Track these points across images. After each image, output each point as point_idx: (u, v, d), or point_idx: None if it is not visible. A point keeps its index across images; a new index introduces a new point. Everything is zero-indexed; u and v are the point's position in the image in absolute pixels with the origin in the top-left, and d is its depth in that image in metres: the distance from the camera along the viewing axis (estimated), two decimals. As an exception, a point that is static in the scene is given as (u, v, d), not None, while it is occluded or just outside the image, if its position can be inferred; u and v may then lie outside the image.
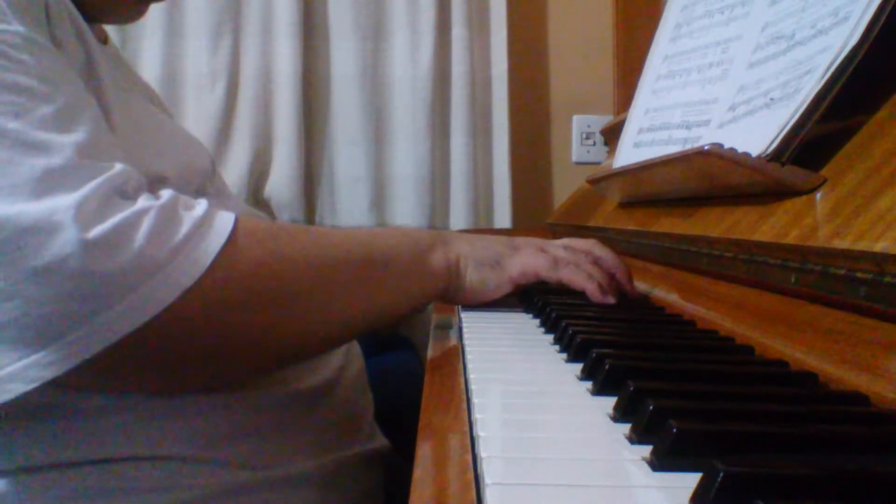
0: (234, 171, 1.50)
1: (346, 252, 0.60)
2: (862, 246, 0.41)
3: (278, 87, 1.51)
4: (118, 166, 0.50)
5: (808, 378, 0.44)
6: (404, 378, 1.12)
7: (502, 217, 1.58)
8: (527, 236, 0.74)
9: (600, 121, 1.64)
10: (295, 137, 1.51)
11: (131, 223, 0.47)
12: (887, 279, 0.39)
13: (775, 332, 0.50)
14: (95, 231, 0.46)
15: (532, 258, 0.68)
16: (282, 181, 1.51)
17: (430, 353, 0.59)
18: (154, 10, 1.50)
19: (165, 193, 0.51)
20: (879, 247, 0.40)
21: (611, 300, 0.69)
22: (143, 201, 0.49)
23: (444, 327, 0.69)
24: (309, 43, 1.55)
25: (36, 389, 0.46)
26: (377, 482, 0.74)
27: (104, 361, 0.47)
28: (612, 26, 1.52)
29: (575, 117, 1.70)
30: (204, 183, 0.70)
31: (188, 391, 0.57)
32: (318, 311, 0.57)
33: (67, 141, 0.49)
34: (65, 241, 0.45)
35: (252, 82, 1.52)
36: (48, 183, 0.46)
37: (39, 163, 0.47)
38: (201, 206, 0.52)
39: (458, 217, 1.56)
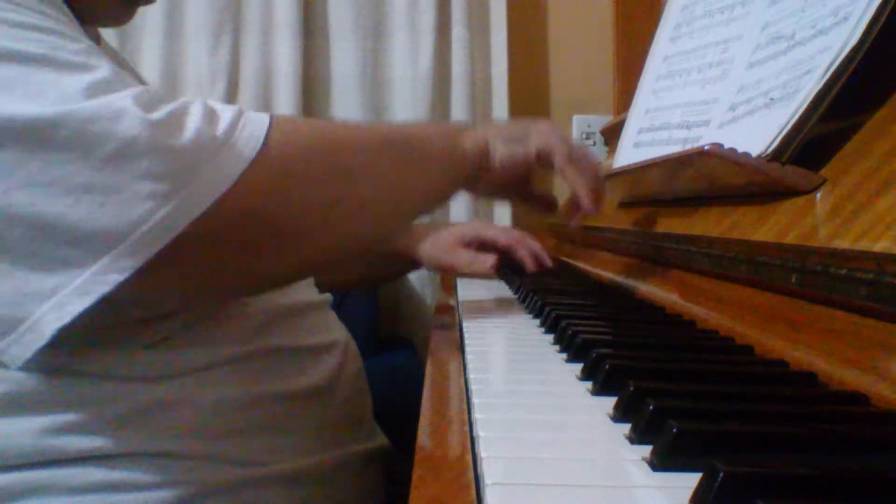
0: (234, 171, 1.50)
1: (386, 136, 0.64)
2: (862, 246, 0.41)
3: (278, 87, 1.51)
4: (146, 86, 0.51)
5: (808, 378, 0.44)
6: (404, 378, 1.12)
7: (502, 216, 1.58)
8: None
9: (600, 121, 1.63)
10: (295, 137, 1.51)
11: (184, 109, 0.49)
12: (887, 279, 0.39)
13: (775, 332, 0.50)
14: (157, 113, 0.47)
15: (552, 139, 0.71)
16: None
17: (430, 353, 0.59)
18: (154, 11, 1.50)
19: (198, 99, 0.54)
20: (879, 247, 0.40)
21: (595, 210, 0.73)
22: (182, 99, 0.51)
23: (445, 327, 0.69)
24: (309, 43, 1.55)
25: (32, 376, 0.47)
26: (377, 480, 0.74)
27: (186, 246, 0.47)
28: (612, 26, 1.52)
29: (575, 117, 1.70)
30: None
31: (256, 288, 0.59)
32: (374, 188, 0.59)
33: (103, 63, 0.50)
34: (131, 123, 0.46)
35: (252, 82, 1.52)
36: (97, 89, 0.47)
37: (85, 77, 0.48)
38: (234, 106, 0.54)
39: (458, 216, 1.56)
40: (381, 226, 0.65)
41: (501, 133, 0.71)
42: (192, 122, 0.49)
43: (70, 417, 0.53)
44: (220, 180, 0.48)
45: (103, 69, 0.49)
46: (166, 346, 0.57)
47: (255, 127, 0.52)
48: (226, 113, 0.51)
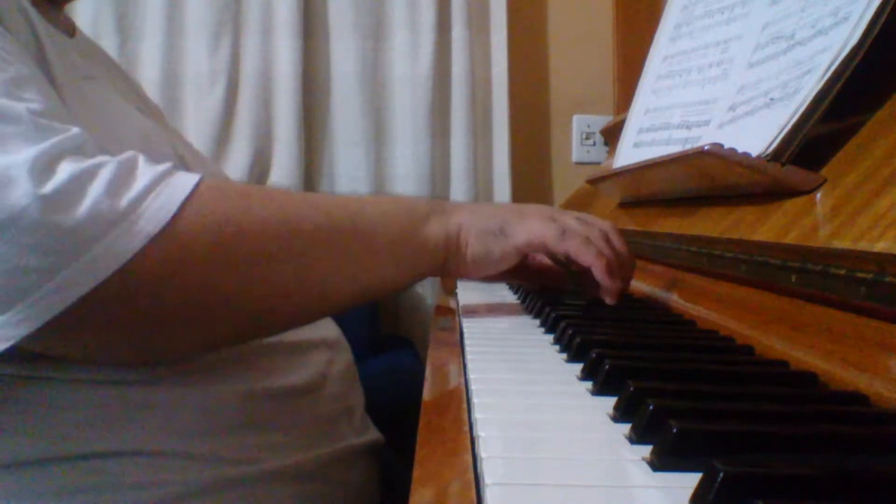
0: (234, 171, 1.50)
1: (327, 216, 0.56)
2: (862, 246, 0.41)
3: (278, 87, 1.51)
4: (75, 129, 0.49)
5: (808, 378, 0.44)
6: (404, 378, 1.12)
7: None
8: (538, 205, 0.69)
9: (600, 121, 1.64)
10: (295, 137, 1.51)
11: (89, 175, 0.46)
12: (887, 279, 0.39)
13: (775, 332, 0.50)
14: (51, 184, 0.45)
15: (540, 225, 0.63)
16: (282, 181, 1.51)
17: (430, 353, 0.59)
18: (154, 10, 1.51)
19: (127, 153, 0.50)
20: (879, 247, 0.40)
21: (618, 284, 0.64)
22: (101, 157, 0.48)
23: (445, 327, 0.69)
24: (309, 43, 1.55)
25: (14, 374, 0.46)
26: (371, 475, 0.73)
27: (74, 321, 0.46)
28: (612, 26, 1.52)
29: (575, 117, 1.70)
30: None
31: (162, 358, 0.55)
32: (294, 276, 0.53)
33: (21, 106, 0.48)
34: (20, 195, 0.44)
35: (252, 82, 1.52)
36: (1, 143, 0.46)
37: None
38: (164, 165, 0.51)
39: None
40: (305, 312, 0.58)
41: (477, 222, 0.62)
42: (95, 190, 0.46)
43: (55, 418, 0.53)
44: (109, 260, 0.45)
45: (20, 110, 0.47)
46: None
47: (170, 196, 0.48)
48: (143, 178, 0.48)
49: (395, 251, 0.59)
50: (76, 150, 0.48)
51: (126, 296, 0.47)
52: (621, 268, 0.65)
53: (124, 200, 0.46)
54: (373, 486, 0.74)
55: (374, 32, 1.55)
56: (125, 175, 0.48)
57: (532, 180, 1.69)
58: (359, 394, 0.77)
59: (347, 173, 1.56)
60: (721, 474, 0.26)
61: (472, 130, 1.56)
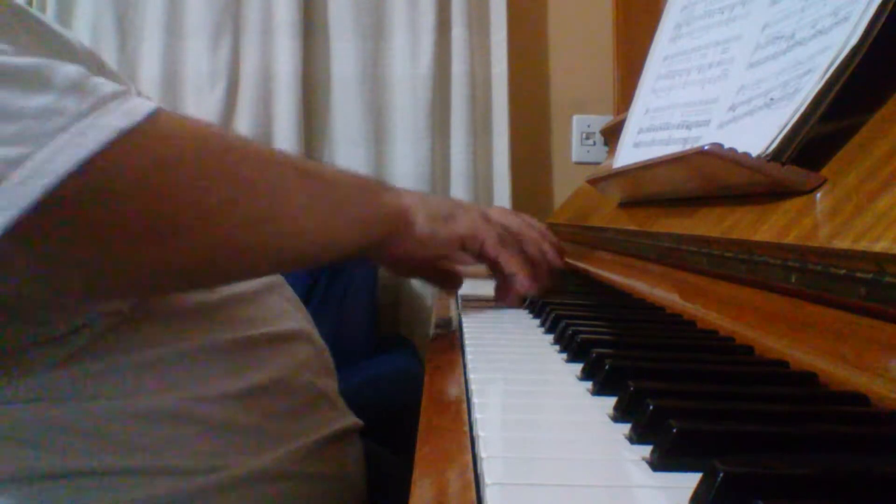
0: (234, 171, 1.50)
1: (298, 162, 0.57)
2: (862, 246, 0.41)
3: (278, 87, 1.51)
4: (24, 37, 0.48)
5: (808, 378, 0.44)
6: (404, 378, 1.12)
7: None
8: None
9: (600, 121, 1.64)
10: (295, 137, 1.51)
11: (54, 65, 0.44)
12: (887, 279, 0.39)
13: (775, 332, 0.50)
14: (14, 61, 0.42)
15: (482, 225, 0.67)
16: (282, 181, 1.51)
17: (430, 353, 0.59)
18: (154, 10, 1.51)
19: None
20: (879, 247, 0.40)
21: (534, 290, 0.70)
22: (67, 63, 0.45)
23: (444, 327, 0.69)
24: (309, 43, 1.55)
25: None
26: (353, 459, 0.71)
27: (34, 223, 0.41)
28: (612, 26, 1.52)
29: (575, 117, 1.70)
30: None
31: (110, 294, 0.52)
32: (265, 207, 0.51)
33: None
34: None
35: (252, 82, 1.52)
36: None
37: None
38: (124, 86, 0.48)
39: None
40: (273, 256, 0.55)
41: (426, 206, 0.64)
42: (59, 83, 0.43)
43: (23, 440, 0.51)
44: (78, 146, 0.41)
45: None
46: (81, 360, 0.53)
47: (136, 105, 0.45)
48: (108, 86, 0.45)
49: (356, 204, 0.59)
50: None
51: (87, 197, 0.43)
52: (539, 274, 0.71)
53: (88, 99, 0.43)
54: (356, 475, 0.71)
55: (374, 32, 1.55)
56: (84, 78, 0.45)
57: (532, 180, 1.69)
58: (330, 380, 0.74)
59: (347, 173, 1.56)
60: (721, 474, 0.26)
61: (472, 130, 1.56)
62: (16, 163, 0.40)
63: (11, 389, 0.51)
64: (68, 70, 0.44)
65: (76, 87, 0.44)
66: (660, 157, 0.72)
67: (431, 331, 0.69)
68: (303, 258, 0.58)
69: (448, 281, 0.77)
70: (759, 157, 0.56)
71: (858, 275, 0.41)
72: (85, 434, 0.52)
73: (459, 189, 1.56)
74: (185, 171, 0.47)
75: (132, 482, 0.53)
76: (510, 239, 0.68)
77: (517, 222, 0.73)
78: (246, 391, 0.60)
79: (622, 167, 0.88)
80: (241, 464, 0.57)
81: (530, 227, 0.74)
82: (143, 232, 0.46)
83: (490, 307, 0.74)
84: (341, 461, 0.69)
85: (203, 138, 0.50)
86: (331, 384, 0.74)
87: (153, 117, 0.45)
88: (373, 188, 0.63)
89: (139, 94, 0.63)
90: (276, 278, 0.72)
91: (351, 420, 0.73)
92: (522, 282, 0.68)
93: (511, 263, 0.68)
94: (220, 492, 0.56)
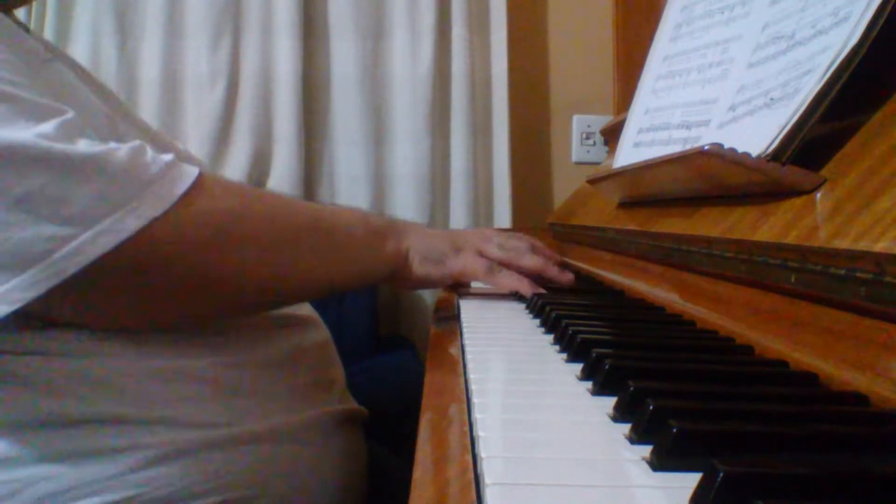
0: (234, 171, 1.50)
1: (311, 220, 0.66)
2: (862, 246, 0.41)
3: (278, 87, 1.51)
4: (71, 112, 0.54)
5: (808, 378, 0.44)
6: (404, 378, 1.12)
7: (502, 217, 1.58)
8: (477, 230, 0.87)
9: (600, 121, 1.64)
10: (295, 137, 1.51)
11: (106, 155, 0.52)
12: (887, 279, 0.39)
13: (775, 332, 0.50)
14: (72, 154, 0.50)
15: (472, 262, 0.76)
16: (282, 181, 1.51)
17: (430, 352, 0.59)
18: (154, 10, 1.51)
19: (136, 141, 0.55)
20: (879, 247, 0.40)
21: (541, 290, 0.78)
22: (113, 143, 0.53)
23: (445, 327, 0.69)
24: (309, 43, 1.54)
25: None
26: (354, 442, 0.74)
27: (82, 286, 0.51)
28: (612, 26, 1.52)
29: (575, 117, 1.70)
30: None
31: (159, 325, 0.60)
32: (284, 267, 0.62)
33: (9, 88, 0.52)
34: (41, 168, 0.49)
35: (252, 82, 1.52)
36: (8, 121, 0.50)
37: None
38: (170, 154, 0.56)
39: (458, 217, 1.56)
40: (286, 297, 0.67)
41: (423, 248, 0.74)
42: (110, 170, 0.52)
43: (35, 387, 0.54)
44: (117, 233, 0.51)
45: (26, 90, 0.52)
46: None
47: (180, 181, 0.54)
48: (157, 160, 0.54)
49: (359, 256, 0.70)
50: (82, 132, 0.53)
51: (129, 267, 0.52)
52: (542, 272, 0.81)
53: (135, 183, 0.52)
54: (356, 460, 0.74)
55: (374, 32, 1.55)
56: (137, 158, 0.53)
57: (532, 180, 1.69)
58: (339, 371, 0.78)
59: (347, 173, 1.56)
60: (721, 474, 0.26)
61: (472, 130, 1.56)
62: (63, 241, 0.49)
63: (40, 341, 0.55)
64: (120, 157, 0.53)
65: (126, 173, 0.52)
66: (660, 157, 0.72)
67: (431, 330, 0.69)
68: (316, 294, 0.70)
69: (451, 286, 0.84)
70: (759, 157, 0.56)
71: (858, 275, 0.41)
72: (107, 386, 0.56)
73: (459, 189, 1.56)
74: (212, 253, 0.57)
75: (151, 430, 0.57)
76: (506, 262, 0.78)
77: (514, 244, 0.81)
78: (262, 362, 0.65)
79: (622, 167, 0.88)
80: (254, 422, 0.62)
81: (529, 247, 0.82)
82: (176, 293, 0.57)
83: (489, 308, 0.74)
84: (342, 441, 0.72)
85: (234, 220, 0.59)
86: (339, 373, 0.78)
87: (188, 197, 0.54)
88: (379, 235, 0.72)
89: (181, 152, 0.75)
90: None
91: (356, 406, 0.77)
92: (527, 291, 0.77)
93: (504, 287, 0.78)
94: (234, 445, 0.60)
